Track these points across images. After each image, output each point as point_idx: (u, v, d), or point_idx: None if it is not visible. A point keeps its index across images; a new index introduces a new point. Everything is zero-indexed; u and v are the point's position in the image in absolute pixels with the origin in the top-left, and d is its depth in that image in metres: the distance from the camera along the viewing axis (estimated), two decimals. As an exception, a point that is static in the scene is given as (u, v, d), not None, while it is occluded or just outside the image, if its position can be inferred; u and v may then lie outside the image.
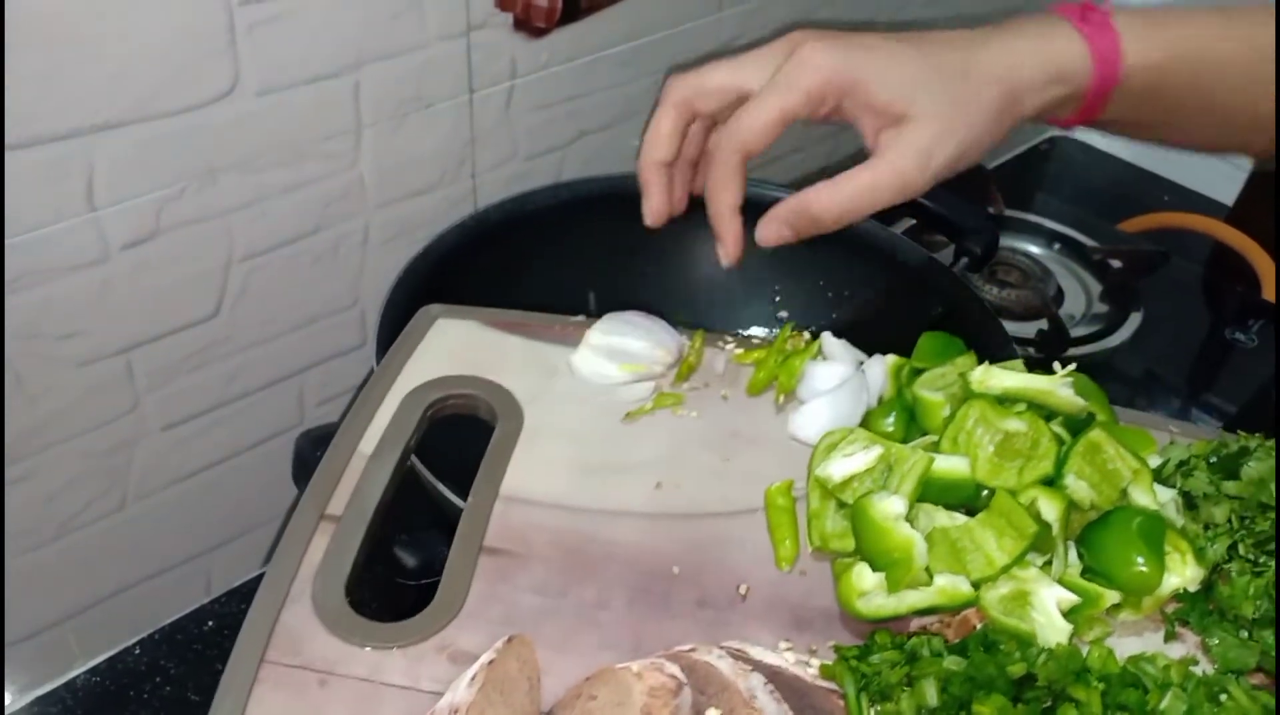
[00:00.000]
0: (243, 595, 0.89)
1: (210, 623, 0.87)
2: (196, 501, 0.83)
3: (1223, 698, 0.45)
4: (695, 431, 0.60)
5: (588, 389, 0.62)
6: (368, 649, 0.47)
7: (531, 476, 0.56)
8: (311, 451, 0.74)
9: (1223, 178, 1.28)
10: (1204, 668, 0.48)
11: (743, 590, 0.51)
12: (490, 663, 0.43)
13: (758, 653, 0.47)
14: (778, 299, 0.90)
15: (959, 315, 0.79)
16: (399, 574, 0.66)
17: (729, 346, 0.66)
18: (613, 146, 0.92)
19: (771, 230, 0.58)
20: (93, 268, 0.68)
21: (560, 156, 0.90)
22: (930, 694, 0.44)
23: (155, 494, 0.81)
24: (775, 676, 0.45)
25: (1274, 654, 0.48)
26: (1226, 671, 0.48)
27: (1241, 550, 0.53)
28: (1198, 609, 0.51)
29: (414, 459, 0.58)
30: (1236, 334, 1.06)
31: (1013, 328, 0.77)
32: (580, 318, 0.66)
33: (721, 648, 0.47)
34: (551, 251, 0.84)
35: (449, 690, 0.43)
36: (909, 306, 0.83)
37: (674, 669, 0.44)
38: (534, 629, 0.47)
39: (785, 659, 0.47)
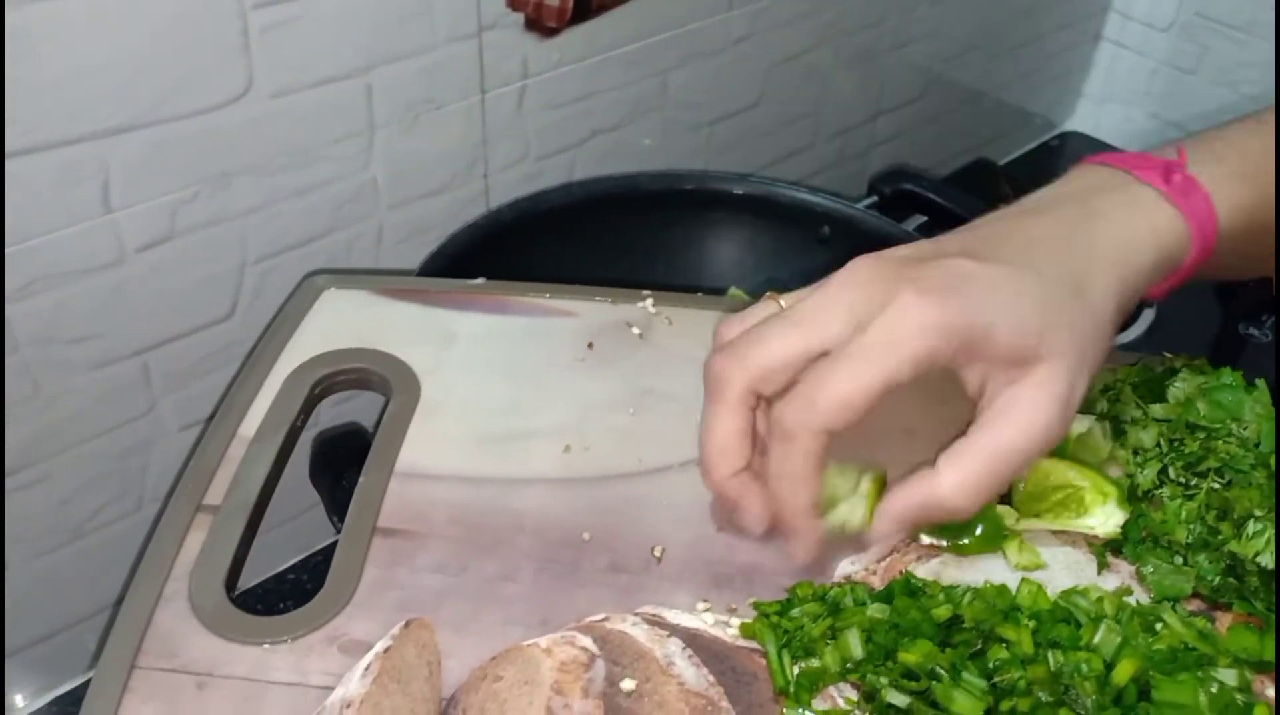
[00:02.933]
0: (259, 595, 0.89)
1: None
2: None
3: (1158, 626, 0.44)
4: (605, 391, 0.57)
5: (489, 355, 0.59)
6: (250, 646, 0.44)
7: (429, 450, 0.53)
8: (330, 450, 0.74)
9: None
10: (1139, 597, 0.47)
11: (658, 552, 0.49)
12: (385, 650, 0.41)
13: (674, 616, 0.45)
14: (790, 297, 0.90)
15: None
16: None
17: (646, 302, 0.63)
18: (625, 146, 0.92)
19: (891, 529, 0.45)
20: (108, 270, 0.68)
21: (572, 156, 0.90)
22: (854, 645, 0.42)
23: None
24: (693, 640, 0.43)
25: (1209, 578, 0.47)
26: (1162, 600, 0.47)
27: (1172, 473, 0.51)
28: (1130, 537, 0.49)
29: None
30: (1250, 329, 1.06)
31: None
32: (479, 280, 0.64)
33: (636, 614, 0.45)
34: (564, 251, 0.84)
35: (340, 683, 0.41)
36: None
37: (586, 641, 0.42)
38: (433, 611, 0.45)
39: (704, 620, 0.45)
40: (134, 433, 0.76)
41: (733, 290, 0.91)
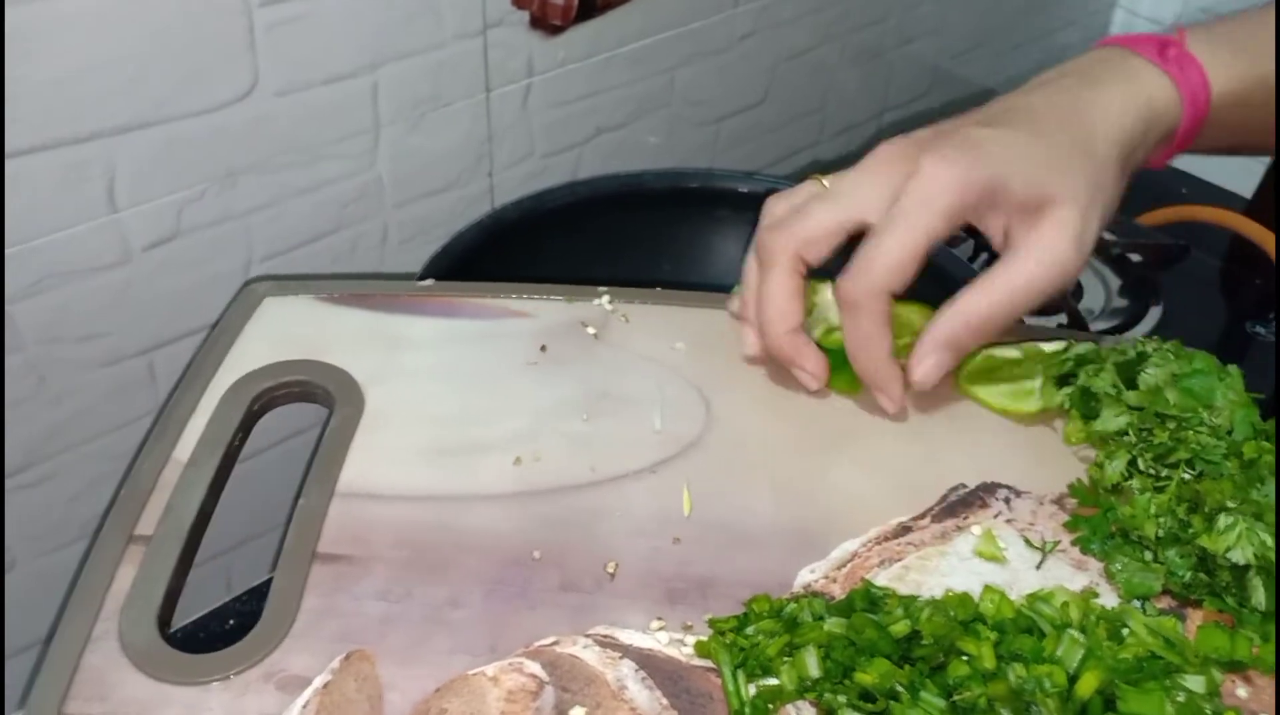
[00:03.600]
0: (264, 594, 0.89)
1: (232, 621, 0.87)
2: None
3: (1124, 632, 0.43)
4: (558, 396, 0.55)
5: (437, 361, 0.56)
6: (184, 687, 0.41)
7: (373, 467, 0.50)
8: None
9: (1241, 170, 1.27)
10: (1106, 599, 0.46)
11: (611, 568, 0.47)
12: (324, 686, 0.40)
13: (628, 636, 0.43)
14: (796, 295, 0.90)
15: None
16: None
17: (603, 299, 0.61)
18: (630, 143, 0.92)
19: (932, 365, 0.50)
20: (114, 269, 0.68)
21: (577, 154, 0.89)
22: (811, 664, 0.41)
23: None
24: (647, 661, 0.42)
25: (1180, 575, 0.46)
26: (1131, 599, 0.46)
27: (1141, 465, 0.50)
28: (1099, 534, 0.48)
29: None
30: (1256, 327, 1.05)
31: (1032, 322, 0.77)
32: (428, 282, 0.62)
33: (588, 636, 0.43)
34: (569, 249, 0.84)
35: None
36: (928, 301, 0.83)
37: (534, 667, 0.41)
38: (376, 641, 0.43)
39: (658, 640, 0.44)
40: (140, 431, 0.76)
41: (738, 288, 0.90)
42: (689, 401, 0.55)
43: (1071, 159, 0.49)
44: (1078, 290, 1.06)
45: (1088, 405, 0.54)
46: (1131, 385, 0.53)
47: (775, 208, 0.53)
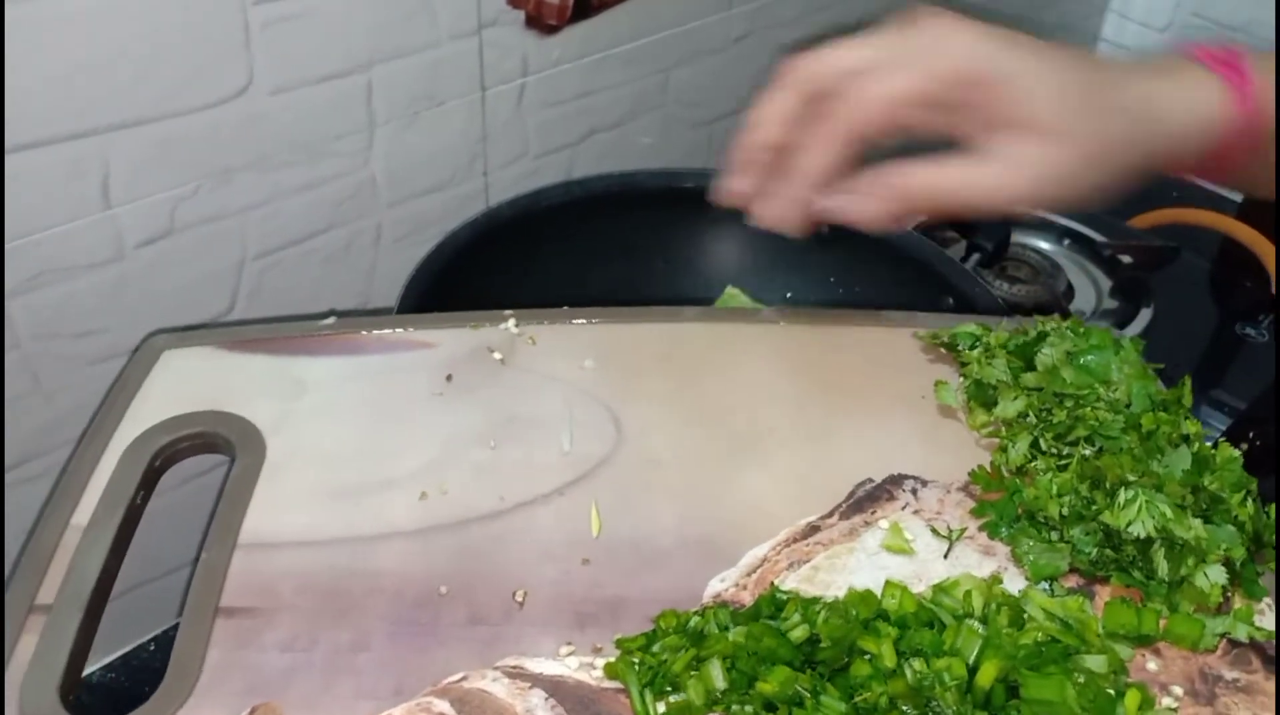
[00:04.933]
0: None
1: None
2: (210, 498, 0.83)
3: (1025, 617, 0.43)
4: (465, 425, 0.54)
5: (340, 400, 0.55)
6: None
7: (276, 515, 0.49)
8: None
9: (1232, 173, 1.28)
10: (1014, 584, 0.46)
11: (519, 597, 0.46)
12: None
13: (537, 665, 0.43)
14: (789, 296, 0.90)
15: (971, 310, 0.79)
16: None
17: (509, 322, 0.60)
18: (624, 143, 0.93)
19: (870, 207, 0.50)
20: (108, 266, 0.68)
21: (571, 154, 0.90)
22: (717, 676, 0.41)
23: (170, 491, 0.81)
24: (557, 688, 0.42)
25: (1086, 552, 0.46)
26: (1039, 580, 0.46)
27: (1043, 446, 0.50)
28: (1005, 518, 0.48)
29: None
30: (1247, 329, 1.06)
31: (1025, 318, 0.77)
32: (329, 320, 0.60)
33: (496, 668, 0.43)
34: (563, 249, 0.84)
35: None
36: (921, 302, 0.83)
37: (443, 705, 0.41)
38: (281, 693, 0.42)
39: (568, 665, 0.43)
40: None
41: (730, 289, 0.91)
42: (598, 420, 0.54)
43: (1092, 107, 0.47)
44: (1069, 291, 1.06)
45: (984, 394, 0.54)
46: (1030, 367, 0.53)
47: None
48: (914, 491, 0.51)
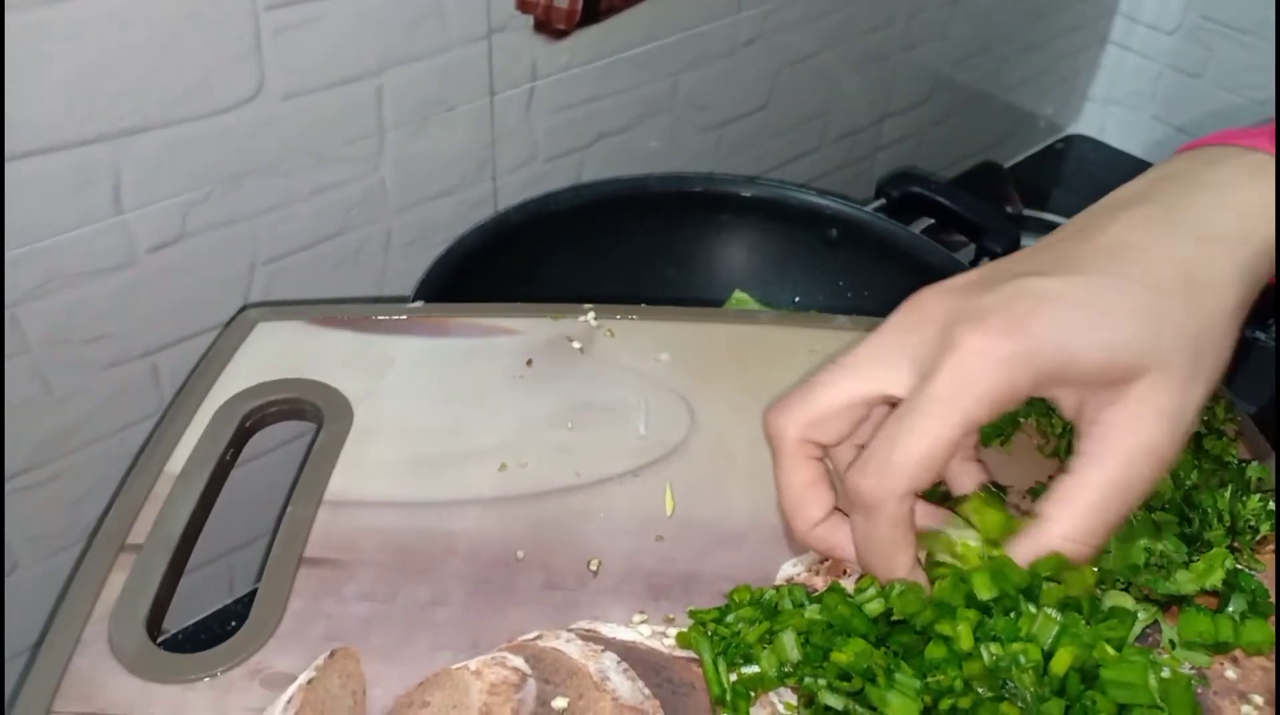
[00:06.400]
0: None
1: (233, 623, 0.87)
2: (219, 503, 0.84)
3: (1106, 605, 0.42)
4: (543, 407, 0.56)
5: (425, 378, 0.57)
6: (171, 685, 0.42)
7: (361, 477, 0.51)
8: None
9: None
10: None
11: (594, 566, 0.47)
12: (309, 682, 0.41)
13: (610, 630, 0.44)
14: (797, 299, 0.90)
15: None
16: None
17: (588, 315, 0.62)
18: (632, 148, 0.93)
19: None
20: (119, 271, 0.68)
21: (580, 158, 0.90)
22: (790, 648, 0.41)
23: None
24: (629, 653, 0.43)
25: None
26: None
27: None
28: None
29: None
30: (1256, 333, 1.06)
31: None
32: (417, 303, 0.63)
33: (570, 630, 0.44)
34: (572, 253, 0.84)
35: None
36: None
37: (517, 661, 0.42)
38: (361, 640, 0.44)
39: (640, 632, 0.44)
40: (143, 433, 0.76)
41: (738, 293, 0.91)
42: (673, 409, 0.56)
43: (1166, 312, 0.38)
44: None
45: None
46: None
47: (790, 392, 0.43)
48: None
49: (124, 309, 0.70)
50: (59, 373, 0.70)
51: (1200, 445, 0.50)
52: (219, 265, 0.73)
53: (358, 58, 0.71)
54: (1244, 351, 1.05)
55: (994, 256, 0.84)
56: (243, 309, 0.59)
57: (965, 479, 0.45)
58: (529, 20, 0.78)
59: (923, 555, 0.43)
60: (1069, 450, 0.49)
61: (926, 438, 0.38)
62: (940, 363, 0.38)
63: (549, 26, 0.80)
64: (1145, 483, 0.39)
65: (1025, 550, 0.40)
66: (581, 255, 0.85)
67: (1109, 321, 0.38)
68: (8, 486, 0.71)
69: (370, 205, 0.78)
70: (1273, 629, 0.43)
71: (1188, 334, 0.38)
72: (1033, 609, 0.40)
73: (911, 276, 0.84)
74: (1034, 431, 0.54)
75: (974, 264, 0.87)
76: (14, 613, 0.77)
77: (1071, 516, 0.39)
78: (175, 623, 0.87)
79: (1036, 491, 0.50)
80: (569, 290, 0.84)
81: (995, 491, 0.45)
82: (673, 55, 0.90)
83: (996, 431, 0.53)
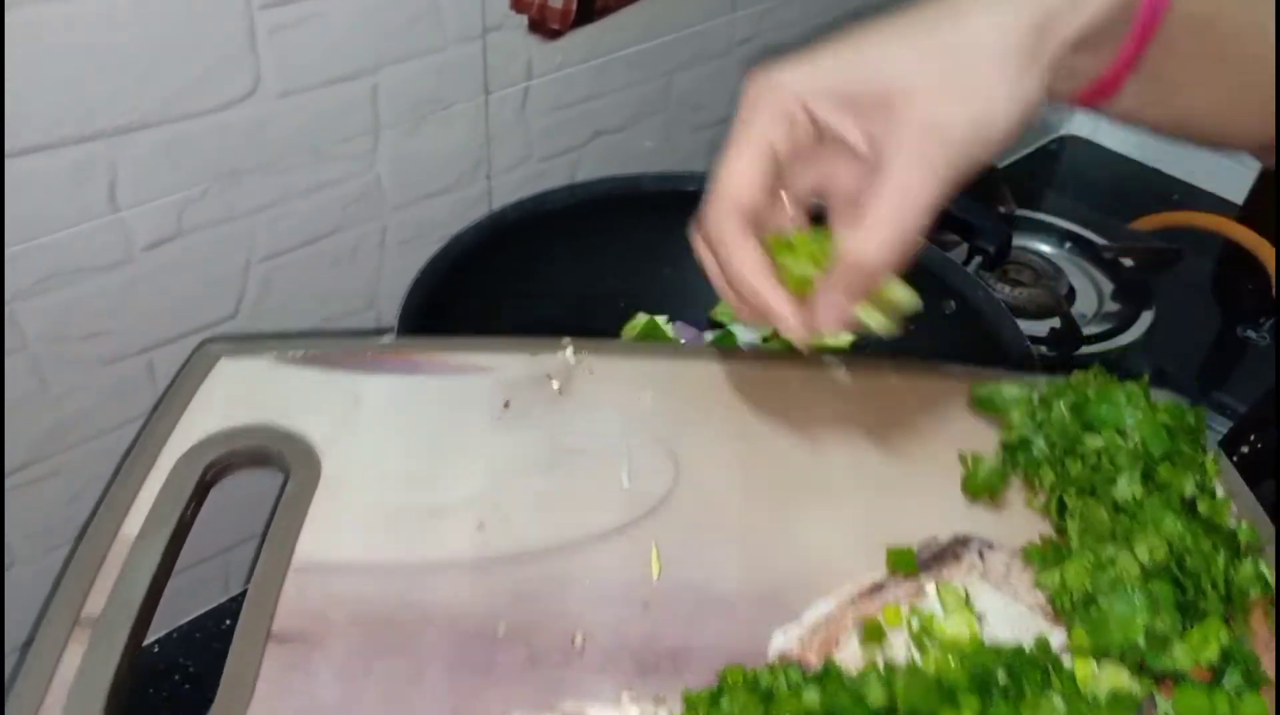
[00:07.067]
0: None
1: (228, 621, 0.88)
2: (215, 500, 0.84)
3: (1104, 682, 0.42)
4: (522, 453, 0.53)
5: (397, 420, 0.54)
6: None
7: (331, 536, 0.48)
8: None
9: (1233, 176, 1.28)
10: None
11: (578, 640, 0.45)
12: None
13: (597, 711, 0.42)
14: (792, 298, 0.91)
15: (974, 313, 0.80)
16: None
17: (566, 350, 0.59)
18: (627, 147, 0.93)
19: (834, 315, 0.46)
20: (116, 269, 0.69)
21: (575, 157, 0.90)
22: None
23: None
24: None
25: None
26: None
27: (1069, 504, 0.49)
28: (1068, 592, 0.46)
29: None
30: (1249, 332, 1.06)
31: (1025, 326, 0.77)
32: (387, 338, 0.60)
33: (556, 711, 0.42)
34: (567, 252, 0.84)
35: None
36: (922, 304, 0.84)
37: None
38: None
39: (629, 713, 0.43)
40: (139, 430, 0.76)
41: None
42: (657, 456, 0.53)
43: (925, 39, 0.43)
44: (1070, 294, 1.07)
45: (1020, 461, 0.53)
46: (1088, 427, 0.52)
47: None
48: (980, 554, 0.50)
49: (121, 306, 0.70)
50: (56, 369, 0.70)
51: (1194, 509, 0.49)
52: (215, 263, 0.73)
53: (353, 56, 0.71)
54: (1236, 350, 1.06)
55: (986, 255, 0.85)
56: (203, 343, 0.57)
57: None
58: (524, 20, 0.79)
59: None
60: (1060, 506, 0.50)
61: (731, 158, 0.45)
62: (739, 103, 0.46)
63: (544, 26, 0.80)
64: (925, 191, 0.43)
65: (842, 276, 0.45)
66: (577, 254, 0.85)
67: (867, 54, 0.44)
68: (6, 483, 0.72)
69: (366, 203, 0.79)
70: (1268, 702, 0.43)
71: (941, 63, 0.42)
72: (1033, 692, 0.41)
73: (904, 275, 0.85)
74: (1023, 486, 0.53)
75: (966, 263, 0.87)
76: (12, 609, 0.77)
77: (865, 234, 0.44)
78: (170, 621, 0.87)
79: (1030, 554, 0.49)
80: (564, 288, 0.85)
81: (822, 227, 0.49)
82: (667, 55, 0.90)
83: (985, 487, 0.52)
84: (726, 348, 0.62)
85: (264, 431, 0.53)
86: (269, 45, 0.67)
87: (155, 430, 0.52)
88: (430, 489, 0.51)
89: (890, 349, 0.88)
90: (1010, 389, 0.56)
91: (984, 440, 0.55)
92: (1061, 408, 0.52)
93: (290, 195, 0.74)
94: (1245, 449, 0.86)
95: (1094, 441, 0.51)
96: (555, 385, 0.57)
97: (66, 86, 0.61)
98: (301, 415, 0.54)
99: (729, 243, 0.46)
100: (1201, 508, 0.48)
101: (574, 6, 0.80)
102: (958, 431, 0.56)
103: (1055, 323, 1.01)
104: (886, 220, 0.43)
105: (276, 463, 0.53)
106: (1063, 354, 0.97)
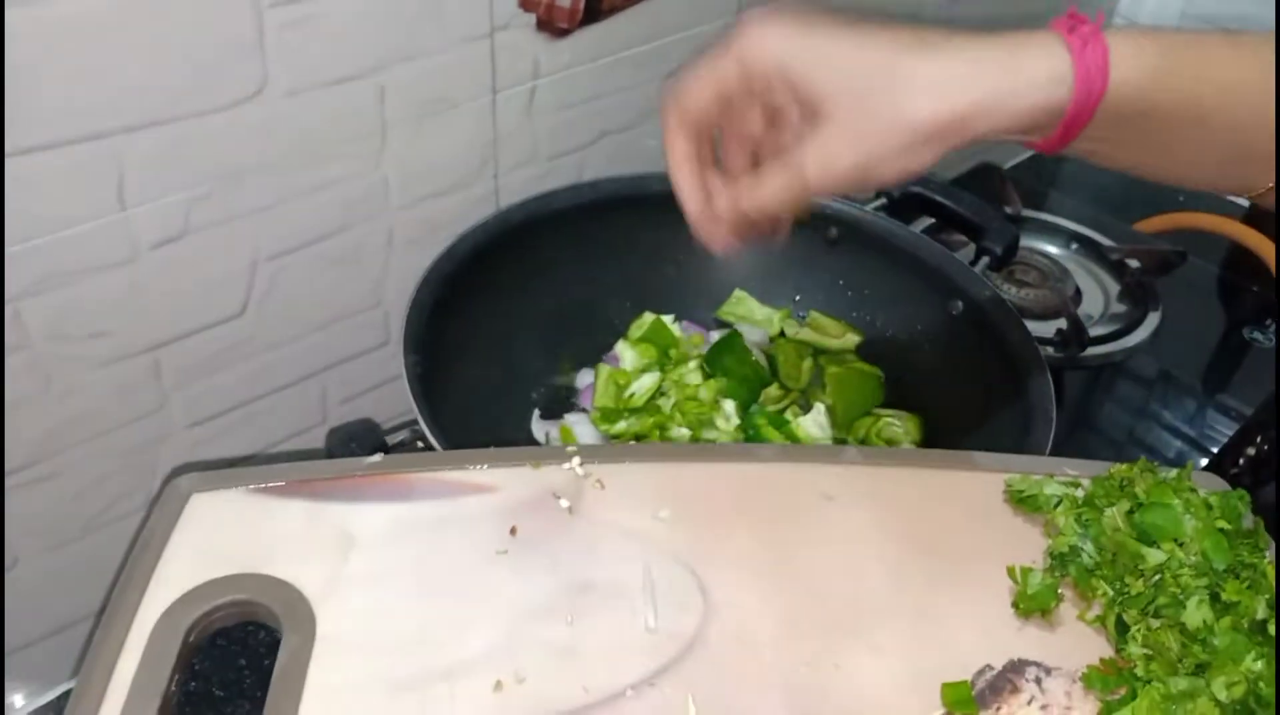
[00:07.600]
0: None
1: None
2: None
3: None
4: (536, 594, 0.48)
5: (393, 560, 0.49)
6: None
7: (331, 709, 0.43)
8: (342, 448, 0.74)
9: (1238, 178, 1.28)
10: None
11: None
12: None
13: None
14: (798, 298, 0.91)
15: (980, 313, 0.80)
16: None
17: (573, 461, 0.55)
18: (634, 146, 0.93)
19: (721, 239, 0.53)
20: (122, 267, 0.68)
21: (582, 156, 0.90)
22: None
23: None
24: None
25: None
26: None
27: (1129, 622, 0.47)
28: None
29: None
30: (1254, 333, 1.06)
31: (1031, 327, 0.77)
32: (375, 457, 0.54)
33: None
34: (573, 252, 0.84)
35: None
36: (929, 304, 0.84)
37: None
38: None
39: None
40: (145, 429, 0.76)
41: (738, 292, 0.91)
42: (682, 586, 0.50)
43: (867, 85, 0.47)
44: (1077, 295, 1.06)
45: (1069, 569, 0.51)
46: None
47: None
48: (1038, 681, 0.47)
49: (126, 305, 0.70)
50: (60, 368, 0.70)
51: (1263, 629, 0.47)
52: (221, 262, 0.73)
53: (360, 55, 0.71)
54: (1241, 352, 1.06)
55: (993, 256, 0.84)
56: (171, 476, 0.53)
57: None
58: (531, 19, 0.79)
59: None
60: (1119, 622, 0.48)
61: (696, 75, 0.50)
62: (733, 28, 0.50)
63: (551, 25, 0.80)
64: (793, 192, 0.50)
65: (739, 192, 0.52)
66: (583, 254, 0.85)
67: (832, 66, 0.47)
68: (8, 481, 0.71)
69: (372, 202, 0.79)
70: None
71: (863, 113, 0.47)
72: None
73: (911, 276, 0.85)
74: (1073, 595, 0.50)
75: (973, 263, 0.87)
76: (14, 607, 0.77)
77: (755, 191, 0.51)
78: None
79: (1091, 678, 0.47)
80: (570, 287, 0.85)
81: None
82: (674, 54, 0.90)
83: (1037, 603, 0.49)
84: (742, 447, 0.59)
85: (249, 582, 0.48)
86: (276, 44, 0.67)
87: (128, 587, 0.47)
88: (439, 645, 0.46)
89: (898, 350, 0.88)
90: (1051, 486, 0.53)
91: (1027, 544, 0.52)
92: (1115, 516, 0.50)
93: (297, 194, 0.74)
94: (1251, 451, 0.86)
95: (1154, 556, 0.49)
96: (565, 504, 0.53)
97: (74, 84, 0.61)
98: (288, 560, 0.49)
99: (668, 135, 0.52)
100: (1272, 630, 0.46)
101: (581, 5, 0.80)
102: (998, 535, 0.53)
103: (1062, 324, 1.01)
104: (778, 188, 0.50)
105: (267, 619, 0.48)
106: (1069, 355, 0.97)
